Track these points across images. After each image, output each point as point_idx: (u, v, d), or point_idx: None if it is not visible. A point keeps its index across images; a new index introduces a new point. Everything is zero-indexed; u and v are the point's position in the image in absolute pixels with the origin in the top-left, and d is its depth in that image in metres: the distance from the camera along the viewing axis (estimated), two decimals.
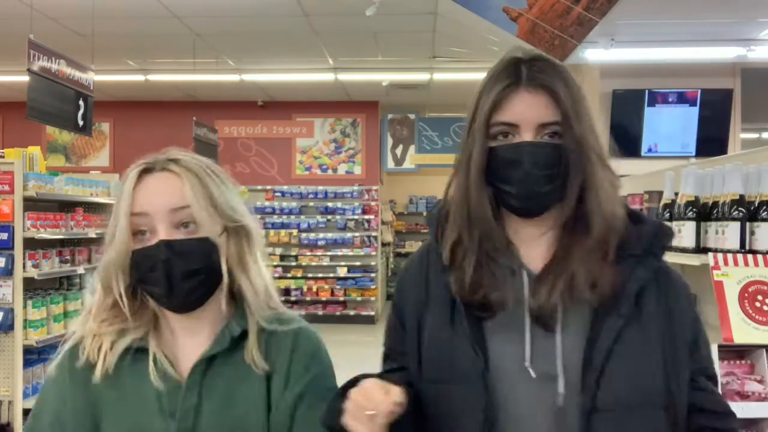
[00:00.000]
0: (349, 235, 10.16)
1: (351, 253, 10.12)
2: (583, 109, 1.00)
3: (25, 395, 3.93)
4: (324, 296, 9.92)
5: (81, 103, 4.91)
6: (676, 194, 2.36)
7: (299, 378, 1.09)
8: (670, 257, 2.38)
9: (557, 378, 0.96)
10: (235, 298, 1.13)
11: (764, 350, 1.99)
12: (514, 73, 1.01)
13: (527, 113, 0.99)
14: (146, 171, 1.10)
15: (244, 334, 1.09)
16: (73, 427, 1.06)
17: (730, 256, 2.04)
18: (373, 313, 10.05)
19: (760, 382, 1.97)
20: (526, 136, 0.99)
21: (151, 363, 1.06)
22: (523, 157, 0.98)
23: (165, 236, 1.03)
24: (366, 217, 10.15)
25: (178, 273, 1.03)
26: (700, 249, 2.21)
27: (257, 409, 1.06)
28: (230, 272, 1.09)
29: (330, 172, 10.47)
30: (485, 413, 0.96)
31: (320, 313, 9.90)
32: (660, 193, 2.52)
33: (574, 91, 1.00)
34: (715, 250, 2.10)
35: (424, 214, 12.74)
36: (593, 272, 0.97)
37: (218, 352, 1.07)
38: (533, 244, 1.04)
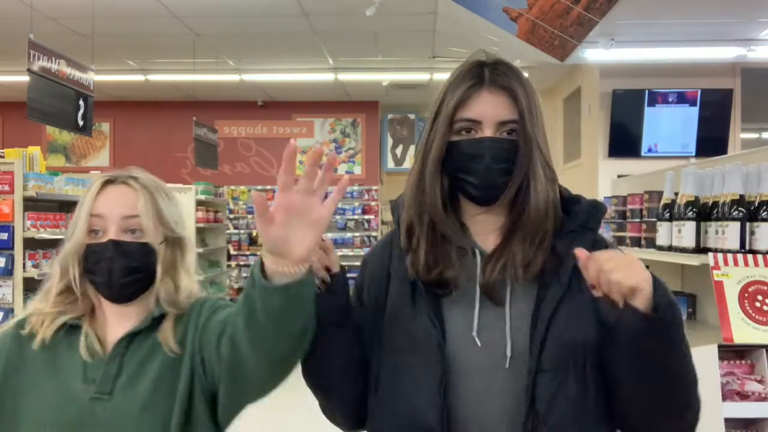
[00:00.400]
0: (349, 235, 10.16)
1: (351, 253, 10.12)
2: (536, 110, 1.12)
3: None
4: None
5: (81, 103, 4.91)
6: (676, 194, 2.36)
7: (200, 318, 1.26)
8: (669, 257, 2.38)
9: (506, 345, 1.07)
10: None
11: (764, 350, 1.99)
12: (478, 75, 1.12)
13: (489, 111, 1.10)
14: (109, 182, 1.28)
15: (161, 318, 1.26)
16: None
17: (730, 256, 2.04)
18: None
19: (760, 382, 1.98)
20: (488, 132, 1.11)
21: (82, 337, 1.24)
22: (485, 151, 1.10)
23: (114, 237, 1.23)
24: (366, 217, 10.15)
25: (119, 268, 1.22)
26: (700, 249, 2.21)
27: (165, 383, 1.22)
28: (163, 273, 1.27)
29: None
30: (441, 379, 1.07)
31: None
32: (660, 193, 2.52)
33: (530, 92, 1.12)
34: (715, 250, 2.10)
35: None
36: (527, 255, 1.10)
37: (139, 329, 1.25)
38: (488, 229, 1.17)
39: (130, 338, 1.25)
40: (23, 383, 1.24)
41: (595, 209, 1.17)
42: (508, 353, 1.07)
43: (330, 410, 1.24)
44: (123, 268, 1.22)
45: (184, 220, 1.35)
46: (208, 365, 1.21)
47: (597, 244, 1.13)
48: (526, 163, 1.11)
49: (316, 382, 1.20)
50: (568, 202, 1.18)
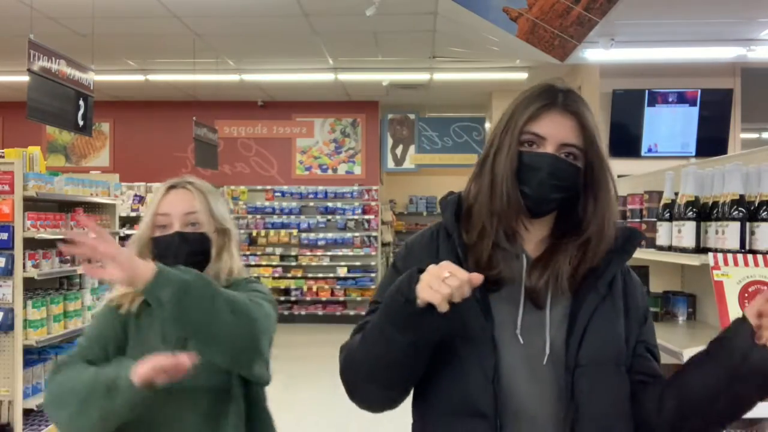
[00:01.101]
0: (349, 235, 10.16)
1: (351, 253, 10.12)
2: (599, 139, 1.22)
3: (25, 395, 3.92)
4: (324, 296, 9.92)
5: (81, 103, 4.91)
6: (676, 194, 2.36)
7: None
8: (669, 257, 2.38)
9: (545, 343, 1.18)
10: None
11: None
12: (551, 96, 1.21)
13: (556, 130, 1.19)
14: (171, 187, 1.67)
15: None
16: (111, 340, 1.60)
17: (730, 256, 2.04)
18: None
19: None
20: (549, 149, 1.19)
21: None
22: (545, 165, 1.18)
23: (179, 229, 1.61)
24: (366, 217, 10.15)
25: (183, 253, 1.59)
26: (700, 249, 2.21)
27: None
28: (216, 255, 1.65)
29: (330, 172, 10.47)
30: (494, 368, 1.16)
31: (320, 313, 9.91)
32: (660, 193, 2.51)
33: (595, 122, 1.22)
34: (715, 250, 2.10)
35: (424, 214, 12.79)
36: (572, 268, 1.21)
37: None
38: (536, 235, 1.26)
39: None
40: (122, 345, 1.60)
41: (634, 236, 1.29)
42: (547, 350, 1.18)
43: (364, 393, 1.26)
44: (186, 252, 1.59)
45: (228, 214, 1.71)
46: None
47: (631, 274, 1.30)
48: (581, 188, 1.21)
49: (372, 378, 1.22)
50: None
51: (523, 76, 8.40)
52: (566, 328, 1.18)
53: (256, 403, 1.64)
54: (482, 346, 1.17)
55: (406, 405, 1.31)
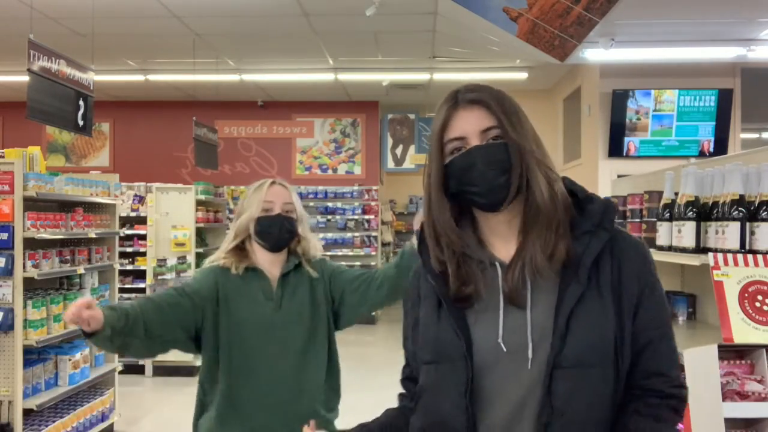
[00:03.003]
0: (349, 235, 10.16)
1: (351, 253, 10.12)
2: (518, 119, 1.20)
3: (25, 395, 3.92)
4: None
5: (81, 103, 4.91)
6: (676, 194, 2.36)
7: (326, 271, 2.23)
8: (669, 257, 2.38)
9: (528, 346, 1.14)
10: (289, 252, 2.20)
11: (764, 350, 1.99)
12: (453, 98, 1.23)
13: (469, 124, 1.20)
14: (273, 183, 2.15)
15: (299, 264, 2.18)
16: (206, 294, 2.05)
17: (730, 256, 2.04)
18: (373, 313, 10.04)
19: (760, 382, 1.97)
20: (474, 143, 1.19)
21: (263, 271, 2.13)
22: (476, 159, 1.17)
23: (280, 212, 2.11)
24: (366, 217, 10.15)
25: (285, 231, 2.11)
26: (700, 249, 2.21)
27: (307, 301, 2.13)
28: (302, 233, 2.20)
29: (330, 172, 10.47)
30: (466, 384, 1.15)
31: None
32: (660, 193, 2.51)
33: (507, 103, 1.21)
34: (715, 250, 2.10)
35: None
36: (549, 246, 1.16)
37: (288, 270, 2.15)
38: (507, 238, 1.23)
39: (284, 276, 2.13)
40: (231, 294, 2.07)
41: (609, 209, 1.21)
42: (530, 355, 1.13)
43: None
44: (285, 230, 2.11)
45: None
46: (335, 295, 2.17)
47: (614, 241, 1.19)
48: (519, 160, 1.18)
49: None
50: (582, 200, 1.22)
51: (523, 76, 8.40)
52: (551, 326, 1.13)
53: (333, 342, 2.18)
54: (454, 362, 1.16)
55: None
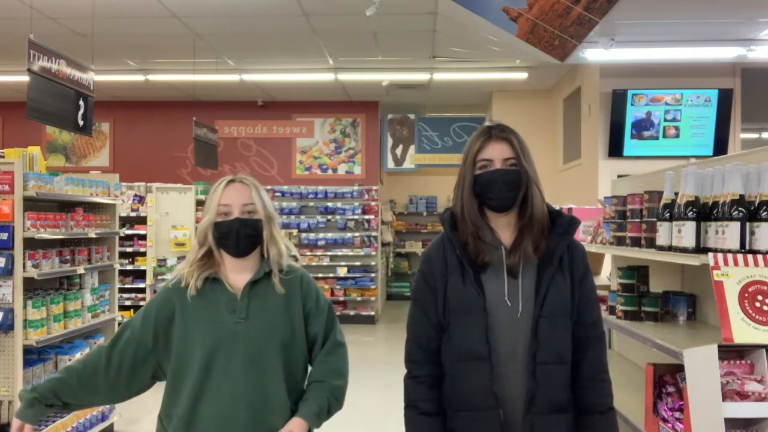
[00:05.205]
0: (349, 235, 10.16)
1: (351, 253, 10.12)
2: (528, 155, 1.82)
3: None
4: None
5: (81, 103, 4.91)
6: (676, 194, 2.36)
7: (307, 299, 2.05)
8: (669, 257, 2.38)
9: (519, 302, 1.77)
10: (263, 255, 2.04)
11: (764, 350, 1.99)
12: (487, 132, 1.84)
13: (496, 153, 1.81)
14: (231, 181, 2.00)
15: (269, 273, 2.01)
16: (159, 317, 1.98)
17: (730, 256, 2.04)
18: (373, 313, 10.04)
19: (760, 382, 1.97)
20: (498, 165, 1.80)
21: (224, 282, 1.98)
22: (497, 177, 1.79)
23: (239, 215, 1.96)
24: (366, 217, 10.15)
25: (243, 235, 1.95)
26: (700, 249, 2.21)
27: (279, 311, 1.99)
28: (268, 237, 2.02)
29: (330, 172, 10.47)
30: (486, 327, 1.75)
31: None
32: (660, 193, 2.51)
33: (522, 141, 1.83)
34: (715, 250, 2.10)
35: (424, 214, 12.80)
36: (536, 242, 1.80)
37: (257, 279, 1.99)
38: (506, 230, 1.86)
39: (252, 284, 1.98)
40: (188, 316, 1.95)
41: (573, 222, 1.85)
42: (520, 308, 1.76)
43: None
44: (245, 234, 1.95)
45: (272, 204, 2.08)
46: (308, 327, 2.03)
47: (572, 245, 1.85)
48: (525, 183, 1.80)
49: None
50: (554, 214, 1.86)
51: (523, 76, 8.40)
52: (534, 292, 1.76)
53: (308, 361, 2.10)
54: (477, 312, 1.76)
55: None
